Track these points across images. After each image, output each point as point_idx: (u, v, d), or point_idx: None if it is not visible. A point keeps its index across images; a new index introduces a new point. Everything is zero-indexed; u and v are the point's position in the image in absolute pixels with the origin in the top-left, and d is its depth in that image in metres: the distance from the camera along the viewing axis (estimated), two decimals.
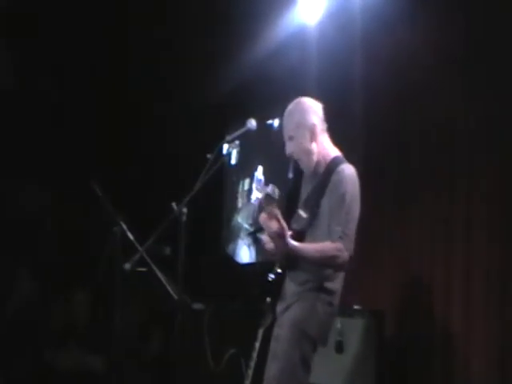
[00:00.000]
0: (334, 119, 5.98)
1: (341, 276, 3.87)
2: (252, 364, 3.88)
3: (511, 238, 4.89)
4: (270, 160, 4.42)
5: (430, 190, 5.45)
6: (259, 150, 5.86)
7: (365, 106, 5.87)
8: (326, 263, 3.75)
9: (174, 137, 6.59)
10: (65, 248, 6.49)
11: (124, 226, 4.77)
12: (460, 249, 5.17)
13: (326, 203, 3.81)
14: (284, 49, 6.07)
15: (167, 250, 5.03)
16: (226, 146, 4.06)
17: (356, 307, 5.60)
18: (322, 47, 5.98)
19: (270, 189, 3.87)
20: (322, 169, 3.90)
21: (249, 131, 4.00)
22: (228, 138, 4.03)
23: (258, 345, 3.86)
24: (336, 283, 3.84)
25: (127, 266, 4.12)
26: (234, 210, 6.47)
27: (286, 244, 3.66)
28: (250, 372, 3.89)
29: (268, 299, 3.84)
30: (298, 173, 4.09)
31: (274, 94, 4.15)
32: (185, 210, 3.98)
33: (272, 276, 3.85)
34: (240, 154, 6.02)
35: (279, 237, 3.65)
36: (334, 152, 3.97)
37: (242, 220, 6.18)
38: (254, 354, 3.86)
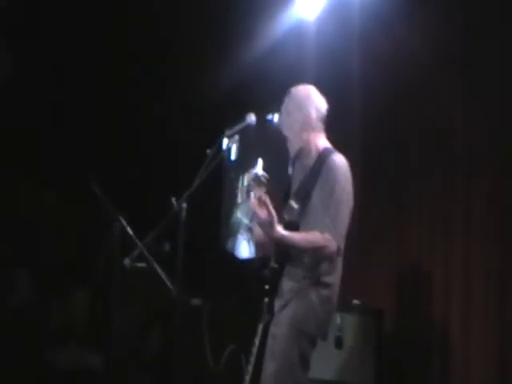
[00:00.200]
0: (331, 117, 6.03)
1: (338, 269, 3.85)
2: (252, 359, 3.87)
3: (510, 238, 4.90)
4: (270, 155, 4.41)
5: (428, 189, 5.46)
6: (259, 145, 5.85)
7: (362, 104, 5.89)
8: (314, 252, 3.75)
9: (173, 133, 6.58)
10: (64, 246, 6.47)
11: (123, 222, 4.77)
12: (459, 248, 5.19)
13: (317, 194, 3.81)
14: (282, 45, 6.07)
15: (166, 246, 5.03)
16: (225, 141, 4.05)
17: (355, 302, 5.61)
18: (320, 44, 6.00)
19: (255, 171, 3.83)
20: (313, 160, 3.90)
21: (248, 126, 3.99)
22: (227, 132, 4.02)
23: (257, 340, 3.85)
24: (333, 277, 3.82)
25: (126, 261, 4.12)
26: (233, 205, 6.47)
27: (275, 232, 3.66)
28: (251, 368, 3.88)
29: (265, 299, 3.84)
30: (289, 164, 4.10)
31: (272, 91, 4.16)
32: (184, 205, 3.97)
33: (267, 272, 3.86)
34: (239, 150, 6.01)
35: (268, 224, 3.64)
36: (325, 144, 3.97)
37: (242, 215, 6.18)
38: (254, 350, 3.85)
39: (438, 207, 5.37)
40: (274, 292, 3.84)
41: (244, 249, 6.27)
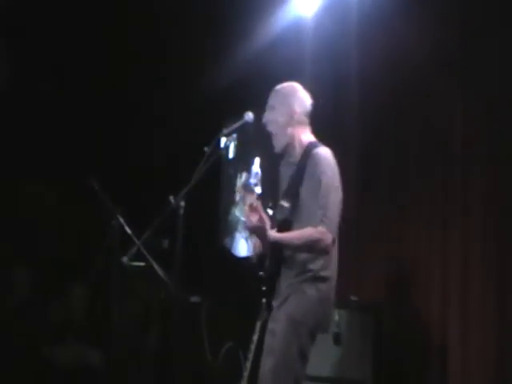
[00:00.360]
0: (329, 114, 6.05)
1: (334, 263, 3.86)
2: (250, 356, 3.88)
3: (509, 238, 4.90)
4: (268, 153, 4.42)
5: (427, 188, 5.46)
6: (256, 143, 5.86)
7: (360, 101, 5.89)
8: (310, 248, 3.75)
9: (171, 130, 6.58)
10: (62, 244, 6.48)
11: (121, 220, 4.77)
12: (457, 248, 5.19)
13: (305, 190, 3.82)
14: (280, 42, 6.07)
15: (165, 243, 5.03)
16: (223, 139, 4.06)
17: (353, 298, 5.62)
18: (319, 42, 5.99)
19: (247, 179, 3.84)
20: (298, 156, 3.92)
21: (246, 124, 4.00)
22: (225, 130, 4.03)
23: (256, 337, 3.86)
24: (330, 270, 3.83)
25: (125, 259, 4.13)
26: (231, 203, 6.47)
27: (267, 237, 3.68)
28: (249, 364, 3.89)
29: (263, 299, 3.86)
30: (277, 163, 4.11)
31: (270, 89, 4.18)
32: (182, 203, 3.98)
33: (264, 273, 3.87)
34: (238, 148, 6.01)
35: (260, 230, 3.66)
36: (310, 139, 3.98)
37: (240, 213, 6.18)
38: (253, 347, 3.87)
39: (437, 207, 5.37)
40: (271, 292, 3.85)
41: (242, 247, 6.28)
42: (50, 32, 6.52)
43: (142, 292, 5.71)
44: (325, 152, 3.86)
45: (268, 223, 3.69)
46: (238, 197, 6.05)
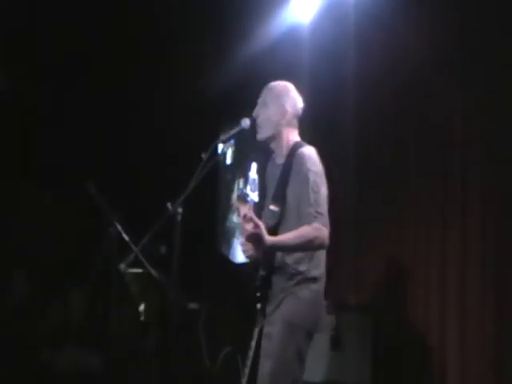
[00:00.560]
0: (328, 115, 6.06)
1: (323, 261, 3.86)
2: (248, 362, 3.88)
3: (508, 238, 4.90)
4: (265, 159, 4.43)
5: (425, 188, 5.45)
6: (253, 149, 5.87)
7: (359, 102, 5.89)
8: (308, 247, 3.74)
9: (168, 136, 6.58)
10: (61, 248, 6.48)
11: (119, 227, 4.77)
12: (456, 249, 5.18)
13: (291, 191, 3.82)
14: (278, 46, 6.08)
15: (162, 250, 5.02)
16: (220, 146, 4.06)
17: (351, 303, 5.63)
18: (316, 44, 6.00)
19: (241, 190, 3.85)
20: (284, 157, 3.92)
21: (243, 130, 3.99)
22: (222, 137, 4.03)
23: (254, 343, 3.86)
24: (319, 269, 3.84)
25: (122, 266, 4.12)
26: (228, 209, 6.48)
27: (265, 242, 3.65)
28: (247, 370, 3.89)
29: (258, 305, 3.86)
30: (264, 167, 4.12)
31: None
32: (180, 209, 3.98)
33: (257, 281, 3.87)
34: (235, 154, 6.03)
35: (256, 237, 3.65)
36: (296, 139, 3.98)
37: (237, 219, 6.19)
38: (251, 353, 3.86)
39: (436, 207, 5.37)
40: (265, 298, 3.86)
41: (239, 253, 6.28)
42: (50, 32, 6.52)
43: (140, 298, 5.69)
44: (309, 151, 3.87)
45: (264, 229, 3.68)
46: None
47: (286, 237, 3.75)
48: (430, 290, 5.34)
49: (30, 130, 6.53)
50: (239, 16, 6.31)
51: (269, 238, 3.68)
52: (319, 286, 3.84)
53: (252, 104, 4.05)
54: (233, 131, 4.00)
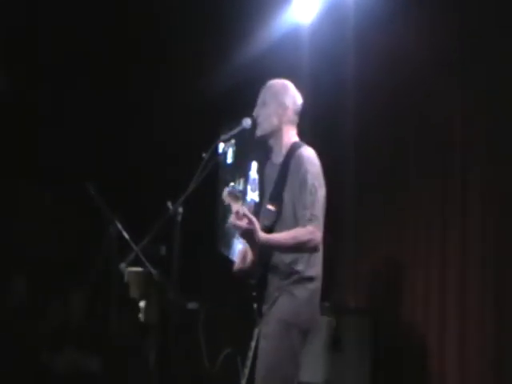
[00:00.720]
0: (328, 116, 6.05)
1: (318, 261, 3.84)
2: (248, 363, 3.87)
3: (508, 238, 4.89)
4: (265, 159, 4.44)
5: (425, 189, 5.45)
6: (254, 149, 5.87)
7: (358, 105, 5.89)
8: (300, 248, 3.73)
9: (168, 136, 6.58)
10: (61, 249, 6.48)
11: (119, 226, 4.77)
12: (456, 250, 5.17)
13: (288, 191, 3.81)
14: (278, 48, 6.08)
15: (162, 250, 5.02)
16: (221, 145, 4.05)
17: (351, 305, 5.62)
18: (316, 46, 6.00)
19: (231, 187, 3.82)
20: (282, 157, 3.91)
21: (244, 130, 3.99)
22: (223, 137, 4.02)
23: (253, 344, 3.86)
24: (316, 269, 3.83)
25: (122, 265, 4.12)
26: (228, 209, 6.47)
27: (258, 238, 3.64)
28: (247, 371, 3.88)
29: (254, 305, 3.85)
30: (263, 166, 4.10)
31: None
32: (180, 209, 3.97)
33: (253, 281, 3.87)
34: (236, 154, 6.02)
35: (251, 232, 3.63)
36: (294, 139, 3.97)
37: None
38: (250, 353, 3.86)
39: (435, 207, 5.36)
40: (261, 298, 3.85)
41: None
42: (50, 32, 6.52)
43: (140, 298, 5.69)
44: (308, 152, 3.85)
45: (258, 226, 3.67)
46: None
47: (280, 236, 3.75)
48: (430, 290, 5.33)
49: (30, 130, 6.53)
50: (239, 17, 6.32)
51: (262, 235, 3.66)
52: (315, 286, 3.82)
53: (252, 105, 4.04)
54: (233, 131, 4.00)
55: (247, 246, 3.87)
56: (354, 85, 5.89)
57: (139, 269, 4.70)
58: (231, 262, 5.16)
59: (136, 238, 4.47)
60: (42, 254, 6.36)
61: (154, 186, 6.27)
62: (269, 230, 3.80)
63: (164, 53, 6.78)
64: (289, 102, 3.94)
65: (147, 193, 6.29)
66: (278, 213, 3.83)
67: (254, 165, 6.24)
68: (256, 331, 3.86)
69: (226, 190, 3.81)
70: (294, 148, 3.88)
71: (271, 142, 3.98)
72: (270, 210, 3.86)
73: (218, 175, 6.34)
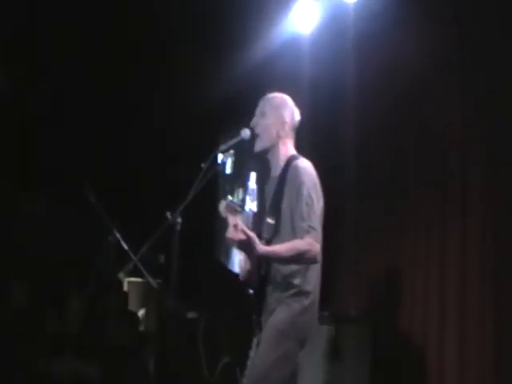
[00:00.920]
0: (328, 125, 6.06)
1: (315, 275, 3.84)
2: (247, 372, 3.87)
3: (508, 240, 4.88)
4: (264, 169, 4.45)
5: (425, 196, 5.44)
6: (252, 160, 5.87)
7: (358, 115, 5.89)
8: (299, 260, 3.74)
9: (168, 146, 6.59)
10: (61, 251, 6.47)
11: (118, 235, 4.77)
12: (454, 259, 5.16)
13: (286, 204, 3.82)
14: (278, 57, 6.08)
15: (161, 259, 5.02)
16: (220, 156, 4.06)
17: (350, 314, 5.62)
18: (316, 55, 6.00)
19: (229, 200, 3.82)
20: (279, 170, 3.92)
21: (243, 140, 4.00)
22: (222, 147, 4.02)
23: (252, 353, 3.86)
24: (311, 284, 3.83)
25: (121, 275, 4.13)
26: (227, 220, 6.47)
27: (257, 251, 3.64)
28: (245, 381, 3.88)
29: (253, 316, 3.86)
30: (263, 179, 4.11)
31: None
32: (179, 219, 3.98)
33: (252, 291, 3.88)
34: (235, 164, 6.02)
35: (249, 245, 3.63)
36: (292, 152, 3.98)
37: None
38: (249, 363, 3.86)
39: (434, 217, 5.36)
40: (260, 310, 3.86)
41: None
42: (50, 32, 6.53)
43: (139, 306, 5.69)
44: (304, 164, 3.87)
45: (256, 238, 3.67)
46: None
47: (279, 248, 3.75)
48: (430, 294, 5.31)
49: (30, 130, 6.52)
50: (239, 27, 6.31)
51: (261, 247, 3.67)
52: (311, 300, 3.83)
53: (251, 113, 4.05)
54: (232, 141, 4.00)
55: (245, 255, 3.87)
56: (354, 93, 5.89)
57: (138, 279, 4.71)
58: (230, 272, 5.17)
59: (135, 246, 4.48)
60: (42, 256, 6.36)
61: (154, 196, 6.27)
62: (268, 242, 3.81)
63: (164, 53, 6.78)
64: (287, 116, 3.96)
65: (146, 202, 6.29)
66: (277, 225, 3.83)
67: (253, 175, 6.25)
68: (255, 341, 3.87)
69: (223, 203, 3.81)
70: (290, 160, 3.90)
71: (269, 156, 3.99)
72: (269, 223, 3.87)
73: (217, 185, 6.35)
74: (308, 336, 3.85)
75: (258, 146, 3.97)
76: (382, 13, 5.44)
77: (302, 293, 3.80)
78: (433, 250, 5.34)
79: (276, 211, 3.85)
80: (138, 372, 5.68)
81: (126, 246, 4.68)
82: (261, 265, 3.86)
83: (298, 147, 4.02)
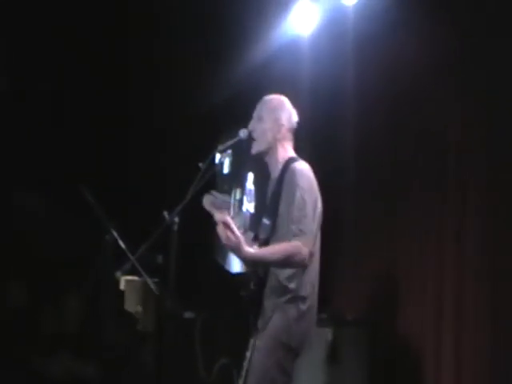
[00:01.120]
0: (326, 128, 6.06)
1: (311, 280, 3.83)
2: (243, 373, 3.87)
3: (504, 251, 4.89)
4: (262, 169, 4.45)
5: (425, 198, 5.45)
6: (250, 160, 5.87)
7: (358, 117, 5.89)
8: (286, 263, 3.72)
9: (166, 145, 6.59)
10: (57, 255, 6.47)
11: (115, 234, 4.77)
12: (451, 262, 5.17)
13: (282, 205, 3.81)
14: (278, 58, 6.09)
15: (159, 259, 5.02)
16: (218, 155, 4.06)
17: (347, 317, 5.62)
18: (315, 57, 6.01)
19: (215, 195, 3.80)
20: (278, 172, 3.92)
21: (241, 141, 4.00)
22: (220, 147, 4.03)
23: (249, 354, 3.86)
24: (307, 289, 3.82)
25: (118, 273, 4.12)
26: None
27: (243, 252, 3.63)
28: (241, 382, 3.88)
29: (250, 317, 3.86)
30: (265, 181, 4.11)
31: None
32: (177, 219, 3.98)
33: (245, 293, 3.88)
34: (232, 164, 6.02)
35: (235, 246, 3.62)
36: (290, 154, 3.97)
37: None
38: (246, 364, 3.86)
39: (432, 217, 5.36)
40: (257, 312, 3.85)
41: (236, 263, 6.27)
42: (50, 32, 6.53)
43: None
44: (301, 166, 3.86)
45: (243, 239, 3.66)
46: (232, 212, 6.05)
47: (265, 251, 3.75)
48: (426, 305, 5.33)
49: (30, 130, 6.53)
50: (239, 29, 6.32)
51: (247, 250, 3.65)
52: (308, 305, 3.81)
53: (250, 114, 4.05)
54: (231, 141, 4.00)
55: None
56: (353, 94, 5.89)
57: (136, 278, 4.70)
58: (227, 272, 5.18)
59: (133, 246, 4.48)
60: (40, 255, 6.36)
61: (152, 196, 6.27)
62: (265, 243, 3.81)
63: (164, 53, 6.78)
64: (284, 119, 3.95)
65: (144, 202, 6.29)
66: (273, 227, 3.83)
67: (251, 176, 6.25)
68: (252, 342, 3.87)
69: (207, 197, 3.77)
70: (288, 163, 3.89)
71: (267, 158, 3.99)
72: (265, 224, 3.87)
73: (215, 185, 6.34)
74: (305, 345, 3.84)
75: (255, 149, 3.98)
76: (382, 14, 5.45)
77: (298, 298, 3.78)
78: (431, 252, 5.35)
79: (273, 212, 3.84)
80: (135, 371, 5.69)
81: (123, 245, 4.68)
82: (257, 267, 3.86)
83: (297, 149, 4.02)
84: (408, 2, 5.47)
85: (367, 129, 5.86)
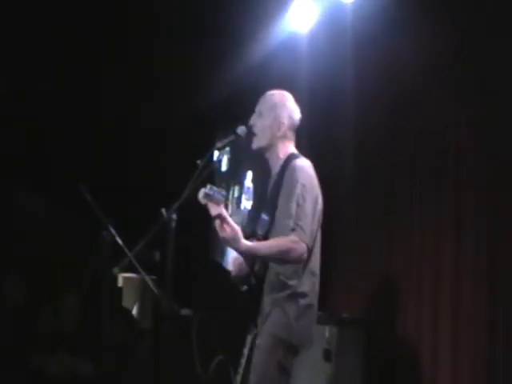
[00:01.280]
0: (324, 128, 6.07)
1: (311, 277, 3.83)
2: (241, 370, 3.87)
3: (501, 252, 4.89)
4: (260, 167, 4.46)
5: (424, 199, 5.45)
6: (249, 157, 5.88)
7: (356, 115, 5.90)
8: (282, 258, 3.71)
9: (164, 143, 6.60)
10: (54, 253, 6.48)
11: (113, 231, 4.76)
12: (449, 262, 5.17)
13: (281, 201, 3.81)
14: (276, 57, 6.10)
15: (156, 256, 5.02)
16: (216, 153, 4.06)
17: (345, 316, 5.62)
18: (314, 56, 6.01)
19: (208, 189, 3.78)
20: (278, 168, 3.91)
21: (239, 138, 3.99)
22: (218, 144, 4.02)
23: (246, 351, 3.86)
24: (309, 285, 3.81)
25: (116, 270, 4.12)
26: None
27: (240, 245, 3.64)
28: (239, 378, 3.88)
29: (249, 314, 3.87)
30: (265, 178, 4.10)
31: None
32: (174, 216, 3.98)
33: (246, 287, 3.87)
34: (230, 161, 6.04)
35: (232, 239, 3.63)
36: (291, 151, 3.96)
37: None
38: (243, 361, 3.86)
39: (432, 217, 5.36)
40: (256, 308, 3.85)
41: None
42: (50, 32, 6.54)
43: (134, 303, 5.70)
44: (302, 163, 3.85)
45: (240, 233, 3.66)
46: (229, 210, 6.06)
47: (261, 244, 3.75)
48: (423, 305, 5.32)
49: (29, 131, 6.53)
50: (237, 27, 6.33)
51: (244, 243, 3.65)
52: (308, 302, 3.80)
53: (248, 113, 4.05)
54: (228, 138, 3.99)
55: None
56: (352, 93, 5.89)
57: (133, 275, 4.70)
58: (225, 270, 5.17)
59: (130, 243, 4.47)
60: (39, 255, 6.36)
61: (150, 193, 6.28)
62: (263, 238, 3.81)
63: (164, 53, 6.79)
64: (285, 117, 3.93)
65: (142, 199, 6.30)
66: (271, 222, 3.82)
67: (249, 174, 6.25)
68: (249, 338, 3.87)
69: (202, 191, 3.77)
70: (289, 159, 3.88)
71: (267, 155, 3.99)
72: (264, 219, 3.86)
73: (213, 182, 6.34)
74: (304, 342, 3.83)
75: (255, 144, 3.97)
76: (380, 13, 5.45)
77: (297, 294, 3.77)
78: (430, 252, 5.35)
79: (272, 208, 3.84)
80: (134, 369, 5.69)
81: (120, 242, 4.67)
82: (255, 263, 3.85)
83: (296, 147, 4.01)
84: (407, 1, 5.47)
85: (366, 128, 5.87)
